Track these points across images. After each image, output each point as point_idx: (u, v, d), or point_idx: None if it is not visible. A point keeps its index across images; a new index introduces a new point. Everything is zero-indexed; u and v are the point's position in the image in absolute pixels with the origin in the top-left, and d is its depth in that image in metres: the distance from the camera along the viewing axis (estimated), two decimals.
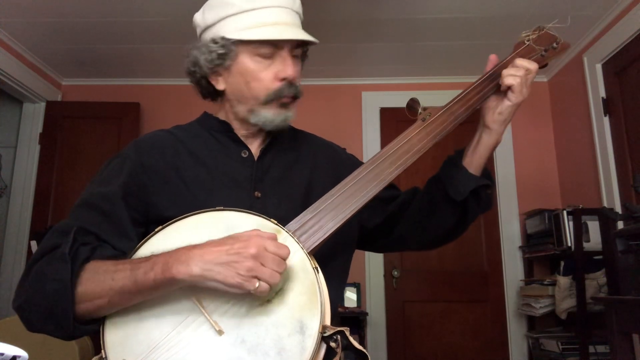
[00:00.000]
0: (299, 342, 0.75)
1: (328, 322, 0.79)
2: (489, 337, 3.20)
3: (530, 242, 3.16)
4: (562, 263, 2.74)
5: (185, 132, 1.04)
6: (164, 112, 3.47)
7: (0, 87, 3.10)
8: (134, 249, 0.85)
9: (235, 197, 0.94)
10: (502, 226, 3.31)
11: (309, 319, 0.77)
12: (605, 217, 2.33)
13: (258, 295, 0.74)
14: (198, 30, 1.03)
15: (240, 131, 1.02)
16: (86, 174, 3.18)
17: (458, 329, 3.22)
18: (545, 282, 2.80)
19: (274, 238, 0.78)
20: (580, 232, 2.52)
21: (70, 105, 3.44)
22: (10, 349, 0.61)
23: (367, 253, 3.28)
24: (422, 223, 1.06)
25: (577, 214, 2.54)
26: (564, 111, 3.26)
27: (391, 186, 1.03)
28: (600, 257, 2.51)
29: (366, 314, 3.04)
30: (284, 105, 0.97)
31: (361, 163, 1.10)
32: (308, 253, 0.83)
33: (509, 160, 3.29)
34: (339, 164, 1.11)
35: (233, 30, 0.95)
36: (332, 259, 0.96)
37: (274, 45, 0.95)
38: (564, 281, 2.61)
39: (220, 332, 0.76)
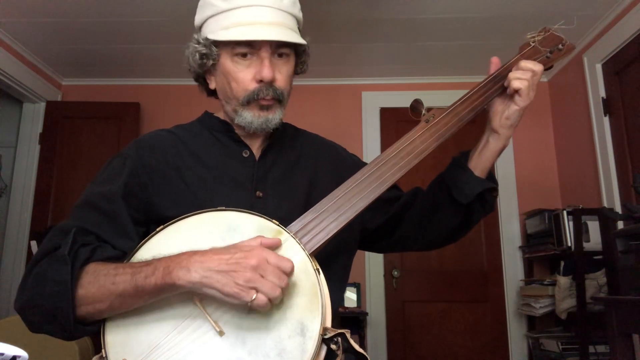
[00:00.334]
0: (299, 343, 0.75)
1: (329, 324, 0.79)
2: (489, 337, 3.20)
3: (530, 242, 3.16)
4: (562, 263, 2.74)
5: (186, 132, 1.04)
6: (164, 112, 3.47)
7: (0, 87, 3.10)
8: (135, 248, 0.85)
9: (236, 197, 0.94)
10: (502, 226, 3.31)
11: (310, 321, 0.77)
12: (605, 217, 2.33)
13: (255, 308, 0.74)
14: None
15: (239, 131, 1.02)
16: (86, 174, 3.18)
17: (458, 329, 3.22)
18: (545, 282, 2.80)
19: (275, 246, 0.78)
20: (580, 232, 2.52)
21: (70, 105, 3.44)
22: (10, 349, 0.61)
23: (367, 253, 3.28)
24: (425, 224, 1.06)
25: (577, 214, 2.54)
26: (564, 111, 3.27)
27: (393, 187, 1.02)
28: (600, 257, 2.51)
29: (366, 314, 3.04)
30: (264, 108, 0.95)
31: (363, 163, 1.10)
32: (309, 254, 0.83)
33: (509, 160, 3.29)
34: (341, 163, 1.10)
35: (213, 30, 0.96)
36: (333, 260, 0.96)
37: (251, 46, 0.93)
38: (564, 281, 2.61)
39: (220, 333, 0.76)
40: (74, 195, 3.13)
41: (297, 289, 0.79)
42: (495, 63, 1.02)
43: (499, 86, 0.99)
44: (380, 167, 0.93)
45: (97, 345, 0.80)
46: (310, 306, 0.78)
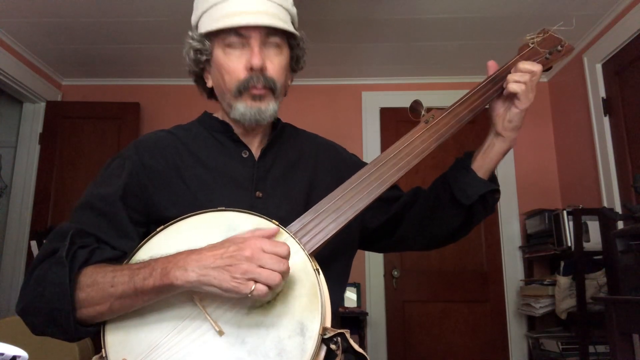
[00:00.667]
0: (299, 343, 0.75)
1: (328, 324, 0.79)
2: (489, 337, 3.20)
3: (530, 242, 3.16)
4: (562, 263, 2.74)
5: (185, 132, 1.04)
6: (164, 112, 3.48)
7: (0, 87, 3.10)
8: (135, 249, 0.85)
9: (236, 198, 0.94)
10: (502, 226, 3.31)
11: (310, 321, 0.77)
12: (605, 217, 2.33)
13: (256, 298, 0.73)
14: None
15: (238, 131, 1.02)
16: (86, 174, 3.18)
17: (458, 329, 3.22)
18: (545, 282, 2.80)
19: (271, 235, 0.78)
20: (580, 232, 2.52)
21: (70, 105, 3.44)
22: (10, 349, 0.61)
23: (367, 253, 3.28)
24: (426, 224, 1.06)
25: (577, 214, 2.54)
26: (564, 111, 3.27)
27: (393, 187, 1.02)
28: (600, 257, 2.52)
29: (366, 314, 3.04)
30: (257, 98, 0.94)
31: (363, 162, 1.10)
32: (309, 255, 0.83)
33: (509, 160, 3.29)
34: (341, 163, 1.10)
35: (205, 25, 0.97)
36: (333, 260, 0.96)
37: (240, 35, 0.94)
38: (564, 281, 2.61)
39: (220, 333, 0.76)
40: (74, 195, 3.13)
41: (296, 289, 0.79)
42: (491, 67, 1.02)
43: (498, 87, 0.99)
44: (380, 167, 0.93)
45: (97, 345, 0.80)
46: (310, 306, 0.78)
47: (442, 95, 3.34)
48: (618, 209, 2.58)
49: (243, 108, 0.95)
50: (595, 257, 2.58)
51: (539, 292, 2.82)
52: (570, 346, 2.57)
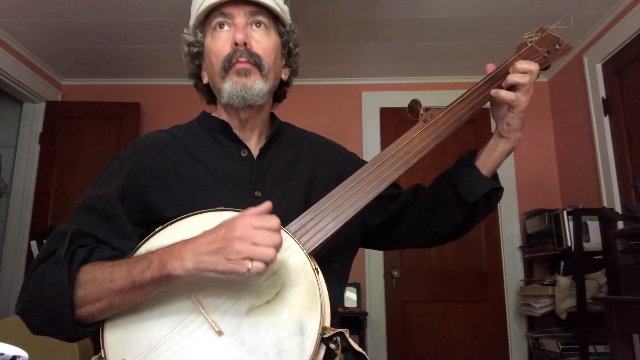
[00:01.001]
0: (298, 343, 0.75)
1: (328, 323, 0.79)
2: (489, 337, 3.20)
3: (530, 242, 3.16)
4: (562, 263, 2.75)
5: (184, 132, 1.04)
6: (164, 112, 3.48)
7: (0, 87, 3.10)
8: (134, 249, 0.85)
9: (235, 197, 0.94)
10: (502, 226, 3.31)
11: (309, 321, 0.76)
12: (605, 217, 2.33)
13: (255, 275, 0.72)
14: None
15: (237, 130, 1.02)
16: (86, 174, 3.18)
17: (458, 329, 3.22)
18: (545, 282, 2.80)
19: (261, 213, 0.76)
20: (580, 232, 2.52)
21: (70, 105, 3.44)
22: (10, 349, 0.61)
23: (367, 253, 3.28)
24: (427, 221, 1.05)
25: (577, 214, 2.54)
26: (564, 111, 3.27)
27: (393, 185, 1.02)
28: (600, 257, 2.52)
29: (366, 314, 3.04)
30: (241, 73, 0.95)
31: (362, 161, 1.10)
32: (308, 254, 0.83)
33: (509, 160, 3.28)
34: (340, 162, 1.10)
35: (195, 15, 1.01)
36: (332, 259, 0.96)
37: (225, 15, 0.97)
38: (564, 281, 2.61)
39: (219, 333, 0.76)
40: (74, 195, 3.14)
41: (296, 289, 0.79)
42: (490, 69, 1.02)
43: (496, 86, 0.98)
44: (379, 166, 0.93)
45: (97, 345, 0.79)
46: (309, 306, 0.78)
47: (442, 95, 3.34)
48: (618, 209, 2.58)
49: (229, 87, 0.96)
50: (595, 257, 2.58)
51: (539, 292, 2.82)
52: (570, 346, 2.57)
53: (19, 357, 0.60)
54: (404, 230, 1.09)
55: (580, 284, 2.43)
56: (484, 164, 0.99)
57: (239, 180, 0.97)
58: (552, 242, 2.79)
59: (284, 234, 0.83)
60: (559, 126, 3.34)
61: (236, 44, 0.94)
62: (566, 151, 3.24)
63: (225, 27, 0.98)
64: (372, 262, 3.29)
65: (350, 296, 3.08)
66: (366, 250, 3.17)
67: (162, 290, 0.78)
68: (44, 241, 0.88)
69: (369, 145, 3.43)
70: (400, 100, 3.44)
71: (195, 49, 1.02)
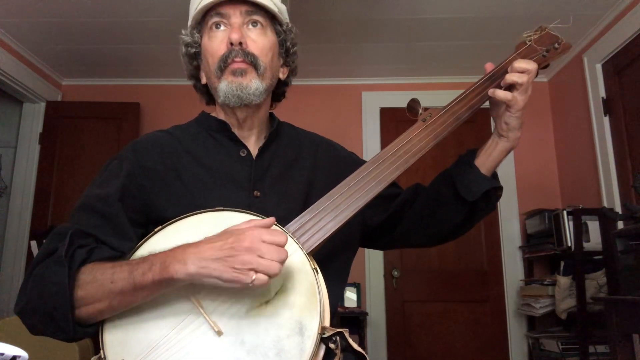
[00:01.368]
0: (298, 343, 0.75)
1: (327, 323, 0.79)
2: (489, 337, 3.20)
3: (530, 242, 3.16)
4: (562, 263, 2.75)
5: (183, 132, 1.04)
6: (164, 112, 3.48)
7: (0, 87, 3.10)
8: (133, 249, 0.85)
9: (234, 197, 0.94)
10: (502, 226, 3.31)
11: (308, 320, 0.76)
12: (605, 217, 2.33)
13: (257, 288, 0.73)
14: None
15: (236, 129, 1.02)
16: (86, 174, 3.18)
17: (458, 329, 3.22)
18: (545, 282, 2.80)
19: (269, 225, 0.77)
20: (580, 232, 2.52)
21: (70, 105, 3.44)
22: (10, 349, 0.60)
23: (367, 253, 3.28)
24: (427, 220, 1.05)
25: (577, 214, 2.54)
26: (564, 111, 3.26)
27: (393, 184, 1.02)
28: (600, 257, 2.52)
29: (366, 314, 3.04)
30: (237, 73, 0.95)
31: (361, 160, 1.10)
32: (307, 254, 0.83)
33: (509, 160, 3.29)
34: (340, 162, 1.10)
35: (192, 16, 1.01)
36: (332, 259, 0.96)
37: (221, 15, 0.97)
38: (564, 281, 2.61)
39: (219, 333, 0.76)
40: (74, 195, 3.14)
41: (295, 289, 0.79)
42: (489, 69, 1.02)
43: (495, 85, 0.98)
44: (378, 166, 0.93)
45: (97, 346, 0.79)
46: (308, 305, 0.78)
47: (441, 95, 3.33)
48: (618, 209, 2.58)
49: (225, 86, 0.96)
50: (595, 257, 2.58)
51: (539, 292, 2.82)
52: (570, 346, 2.57)
53: (19, 357, 0.60)
54: (404, 229, 1.08)
55: (580, 284, 2.43)
56: (483, 163, 0.99)
57: (238, 180, 0.97)
58: (552, 242, 2.79)
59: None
60: (559, 126, 3.33)
61: (231, 44, 0.95)
62: (566, 151, 3.24)
63: (222, 27, 0.98)
64: (372, 262, 3.29)
65: (350, 296, 3.08)
66: (366, 250, 3.17)
67: (162, 292, 0.78)
68: (44, 241, 0.88)
69: (369, 145, 3.43)
70: (400, 100, 3.43)
71: (193, 50, 1.02)
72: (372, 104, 3.54)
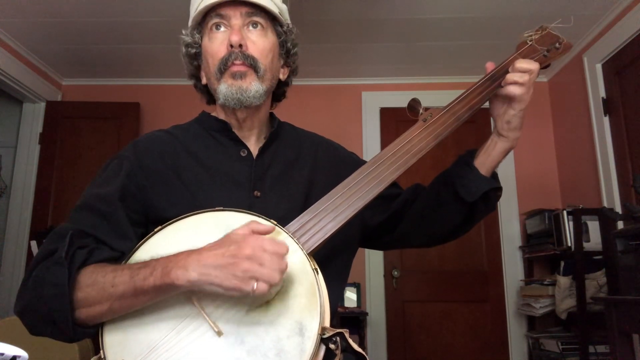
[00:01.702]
0: (298, 343, 0.75)
1: (327, 323, 0.79)
2: (489, 337, 3.20)
3: (530, 242, 3.16)
4: (562, 263, 2.74)
5: (184, 132, 1.04)
6: (164, 112, 3.48)
7: (0, 87, 3.10)
8: (133, 249, 0.85)
9: (234, 197, 0.94)
10: (502, 226, 3.31)
11: (309, 321, 0.76)
12: (605, 217, 2.33)
13: (258, 296, 0.73)
14: None
15: (236, 129, 1.02)
16: (86, 174, 3.18)
17: (458, 329, 3.22)
18: (545, 282, 2.80)
19: (270, 232, 0.78)
20: (580, 232, 2.52)
21: (70, 105, 3.44)
22: (10, 349, 0.61)
23: (367, 253, 3.28)
24: (427, 220, 1.05)
25: (577, 214, 2.54)
26: (564, 111, 3.26)
27: (393, 184, 1.02)
28: (600, 257, 2.51)
29: (366, 314, 3.04)
30: (237, 76, 0.95)
31: (361, 160, 1.10)
32: (308, 254, 0.83)
33: (509, 160, 3.29)
34: (340, 162, 1.10)
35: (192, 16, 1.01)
36: (332, 259, 0.96)
37: (222, 16, 0.97)
38: (564, 281, 2.61)
39: (219, 333, 0.76)
40: (74, 195, 3.14)
41: (295, 289, 0.79)
42: (490, 68, 1.02)
43: (496, 85, 0.98)
44: (378, 166, 0.93)
45: (97, 346, 0.79)
46: (308, 306, 0.77)
47: (442, 95, 3.34)
48: (618, 209, 2.58)
49: (225, 89, 0.96)
50: (595, 257, 2.58)
51: (539, 292, 2.82)
52: (570, 346, 2.57)
53: (19, 357, 0.60)
54: (404, 229, 1.08)
55: (580, 284, 2.43)
56: (482, 163, 0.99)
57: (238, 179, 0.97)
58: (552, 242, 2.79)
59: (283, 234, 0.83)
60: (559, 126, 3.33)
61: (231, 46, 0.94)
62: (566, 151, 3.24)
63: (222, 28, 0.98)
64: (372, 262, 3.29)
65: (350, 296, 3.08)
66: (366, 250, 3.17)
67: (162, 298, 0.78)
68: (44, 241, 0.88)
69: (369, 145, 3.43)
70: (400, 100, 3.44)
71: (193, 50, 1.02)
72: (372, 104, 3.54)
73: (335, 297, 0.97)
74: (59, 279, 0.78)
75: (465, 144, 3.19)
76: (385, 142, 3.43)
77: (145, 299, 0.77)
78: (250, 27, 0.98)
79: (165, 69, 3.38)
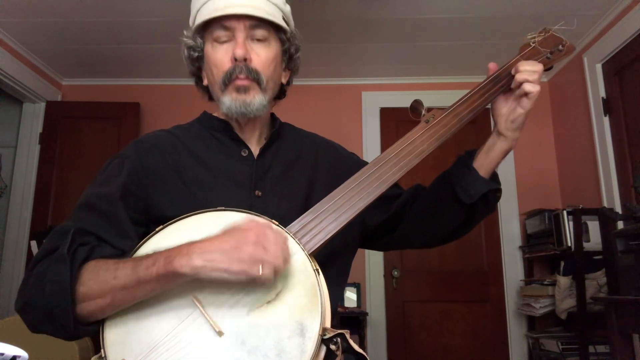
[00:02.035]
0: (298, 344, 0.75)
1: (328, 324, 0.79)
2: (489, 337, 3.20)
3: (530, 242, 3.16)
4: (562, 263, 2.74)
5: (185, 132, 1.04)
6: (164, 112, 3.48)
7: (0, 87, 3.10)
8: (135, 248, 0.85)
9: (235, 197, 0.94)
10: (502, 226, 3.31)
11: (309, 321, 0.76)
12: (605, 217, 2.33)
13: (263, 281, 0.74)
14: None
15: (237, 130, 1.02)
16: (86, 174, 3.18)
17: (458, 329, 3.22)
18: (545, 282, 2.80)
19: (269, 226, 0.79)
20: (580, 232, 2.52)
21: (70, 105, 3.44)
22: (10, 349, 0.61)
23: (367, 253, 3.28)
24: (426, 222, 1.05)
25: (577, 214, 2.54)
26: (564, 111, 3.27)
27: (394, 185, 1.02)
28: (600, 257, 2.52)
29: (366, 314, 3.04)
30: (241, 90, 0.95)
31: (362, 161, 1.10)
32: (309, 255, 0.83)
33: (509, 160, 3.29)
34: (341, 162, 1.10)
35: (196, 21, 1.00)
36: (333, 260, 0.96)
37: (226, 28, 0.96)
38: (564, 281, 2.61)
39: (220, 333, 0.76)
40: (74, 195, 3.13)
41: (296, 290, 0.79)
42: (492, 69, 1.01)
43: (499, 87, 0.98)
44: (380, 167, 0.93)
45: (97, 345, 0.79)
46: (309, 306, 0.78)
47: (442, 95, 3.34)
48: (618, 209, 2.58)
49: (228, 101, 0.96)
50: (595, 257, 2.58)
51: (539, 292, 2.82)
52: (570, 346, 2.57)
53: (19, 357, 0.61)
54: (404, 230, 1.08)
55: (580, 284, 2.43)
56: (482, 164, 0.99)
57: (239, 179, 0.97)
58: (552, 242, 2.79)
59: (284, 234, 0.83)
60: (559, 126, 3.34)
61: (236, 59, 0.94)
62: (566, 151, 3.24)
63: (226, 39, 0.97)
64: (372, 262, 3.29)
65: (350, 296, 3.08)
66: (366, 250, 3.16)
67: (165, 288, 0.77)
68: (44, 240, 0.88)
69: (369, 145, 3.43)
70: (401, 100, 3.44)
71: (196, 54, 1.02)
72: (372, 104, 3.54)
73: (336, 298, 0.97)
74: (61, 275, 0.78)
75: (467, 145, 3.18)
76: (385, 142, 3.43)
77: (148, 288, 0.76)
78: (254, 39, 0.97)
79: (165, 69, 3.38)
